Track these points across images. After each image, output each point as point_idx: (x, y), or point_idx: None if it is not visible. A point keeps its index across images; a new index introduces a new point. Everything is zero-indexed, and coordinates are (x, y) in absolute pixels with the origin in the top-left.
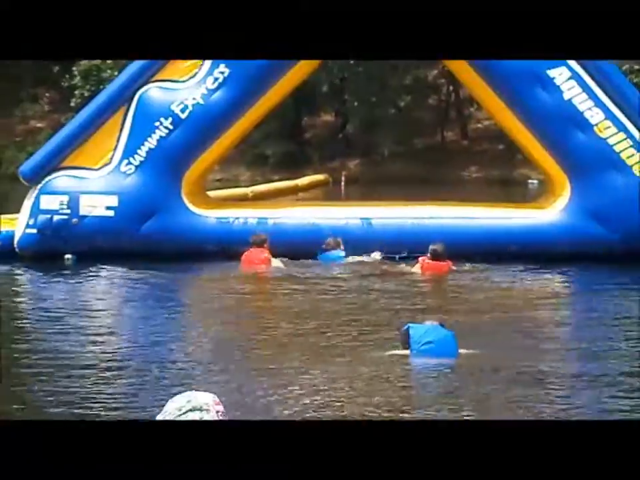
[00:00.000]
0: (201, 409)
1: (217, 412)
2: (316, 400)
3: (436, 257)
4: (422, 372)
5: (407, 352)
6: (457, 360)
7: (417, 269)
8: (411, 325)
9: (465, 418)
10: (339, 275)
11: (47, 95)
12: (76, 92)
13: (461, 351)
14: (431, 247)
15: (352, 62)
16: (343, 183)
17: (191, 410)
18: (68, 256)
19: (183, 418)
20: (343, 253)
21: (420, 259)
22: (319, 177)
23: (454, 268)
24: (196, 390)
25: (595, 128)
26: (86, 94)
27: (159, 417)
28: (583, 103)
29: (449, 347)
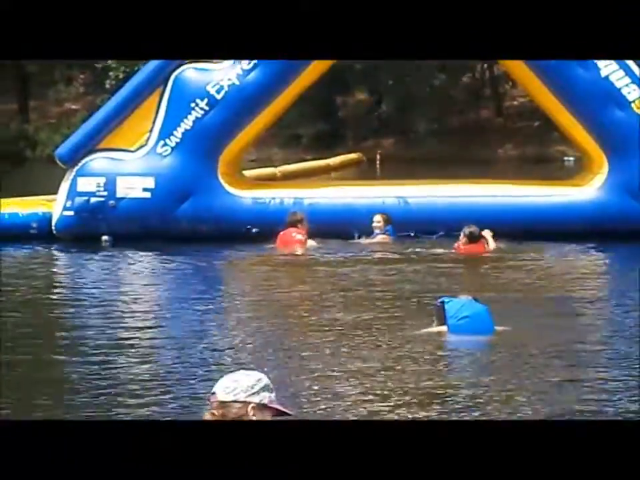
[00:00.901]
0: (270, 390)
1: None
2: (358, 381)
3: (472, 239)
4: (460, 350)
5: (443, 328)
6: (494, 337)
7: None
8: (445, 299)
9: (466, 418)
10: (373, 256)
11: (81, 76)
12: (110, 73)
13: (496, 327)
14: (466, 230)
15: None
16: (377, 162)
17: (262, 389)
18: (105, 238)
19: (255, 397)
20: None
21: (455, 244)
22: (353, 156)
23: (490, 248)
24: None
25: (633, 105)
26: (120, 75)
27: (220, 392)
28: (620, 79)
29: (485, 323)
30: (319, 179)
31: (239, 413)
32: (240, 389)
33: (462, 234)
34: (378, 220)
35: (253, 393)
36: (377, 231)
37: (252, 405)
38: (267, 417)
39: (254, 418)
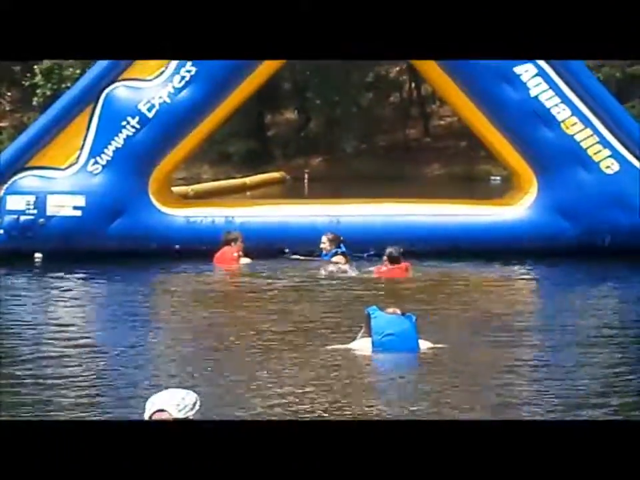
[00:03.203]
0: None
1: None
2: (283, 398)
3: (392, 261)
4: (384, 366)
5: (367, 343)
6: (418, 354)
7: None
8: (372, 310)
9: (464, 418)
10: (302, 276)
11: (8, 94)
12: (38, 91)
13: (421, 343)
14: (387, 251)
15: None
16: (306, 181)
17: (198, 406)
18: (37, 254)
19: (196, 415)
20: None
21: (374, 268)
22: (274, 174)
23: (409, 273)
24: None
25: (562, 124)
26: (48, 92)
27: (173, 410)
28: (549, 99)
29: (410, 340)
30: (253, 198)
31: None
32: (188, 407)
33: (384, 256)
34: (324, 241)
35: (196, 411)
36: (324, 252)
37: None
38: None
39: None
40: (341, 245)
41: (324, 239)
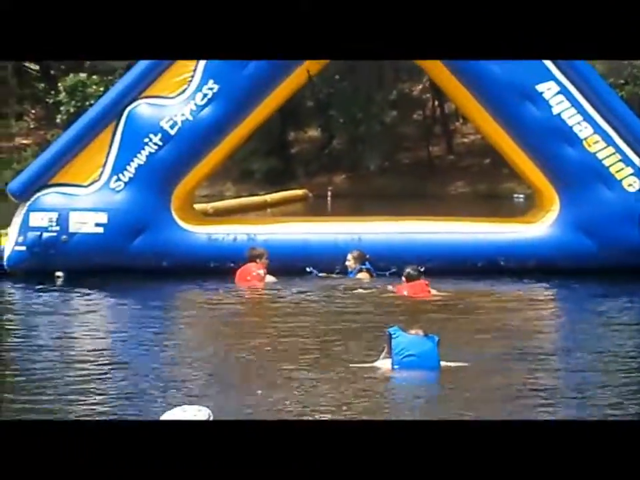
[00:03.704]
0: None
1: None
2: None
3: (409, 279)
4: (404, 386)
5: (388, 364)
6: (439, 375)
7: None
8: (394, 330)
9: (466, 418)
10: (326, 292)
11: (32, 111)
12: (61, 108)
13: (442, 363)
14: (405, 271)
15: (337, 77)
16: (329, 198)
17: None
18: (58, 273)
19: None
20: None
21: (394, 286)
22: (296, 192)
23: (431, 291)
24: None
25: (584, 142)
26: (72, 110)
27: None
28: (571, 117)
29: (430, 361)
30: (276, 215)
31: None
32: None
33: (403, 277)
34: (349, 259)
35: None
36: (350, 270)
37: None
38: None
39: None
40: (366, 262)
41: (349, 256)
